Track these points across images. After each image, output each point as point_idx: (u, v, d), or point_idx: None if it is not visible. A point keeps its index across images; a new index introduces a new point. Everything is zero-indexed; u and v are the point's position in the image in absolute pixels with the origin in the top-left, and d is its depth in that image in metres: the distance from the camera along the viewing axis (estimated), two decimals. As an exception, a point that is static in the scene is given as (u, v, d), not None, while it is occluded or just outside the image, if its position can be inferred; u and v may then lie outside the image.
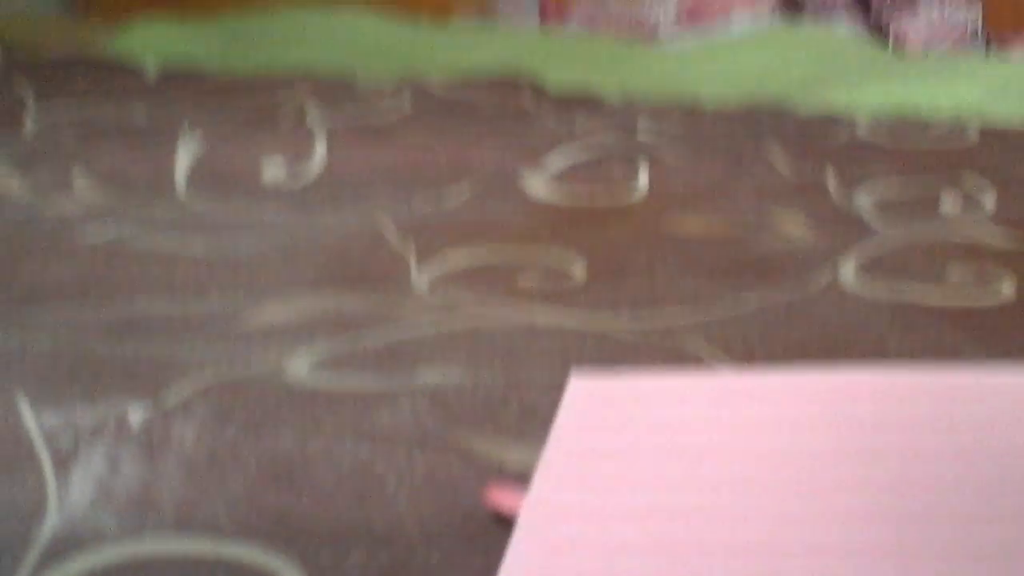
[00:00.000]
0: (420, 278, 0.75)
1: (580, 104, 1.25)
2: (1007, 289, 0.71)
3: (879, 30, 1.86)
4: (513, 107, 1.21)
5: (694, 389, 0.41)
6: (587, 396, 0.42)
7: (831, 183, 0.94)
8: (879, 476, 0.37)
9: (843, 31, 1.82)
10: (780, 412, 0.41)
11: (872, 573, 0.33)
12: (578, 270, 0.77)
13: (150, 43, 1.71)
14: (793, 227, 0.85)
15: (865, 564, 0.34)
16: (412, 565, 0.49)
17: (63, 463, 0.54)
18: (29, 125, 1.13)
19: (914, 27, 1.86)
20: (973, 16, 1.89)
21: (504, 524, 0.51)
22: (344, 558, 0.49)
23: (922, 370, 0.46)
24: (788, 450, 0.38)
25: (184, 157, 0.95)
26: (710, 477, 0.38)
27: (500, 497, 0.52)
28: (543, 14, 2.05)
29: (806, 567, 0.34)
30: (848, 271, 0.76)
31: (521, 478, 0.53)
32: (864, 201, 0.91)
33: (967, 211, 0.89)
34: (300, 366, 0.63)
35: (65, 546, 0.50)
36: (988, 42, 1.91)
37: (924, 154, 1.06)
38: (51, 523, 0.52)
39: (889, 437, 0.40)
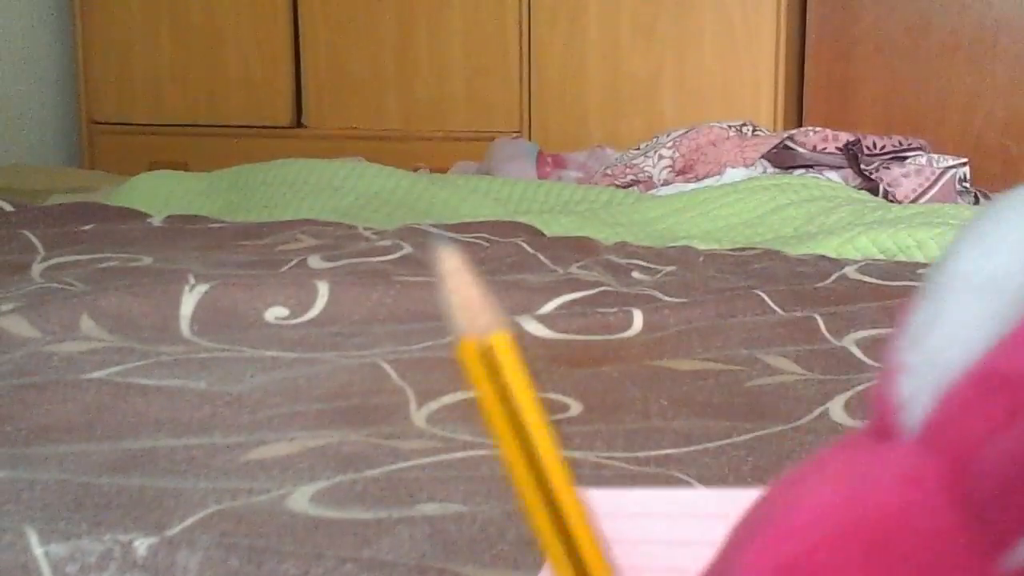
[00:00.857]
0: (419, 413, 0.77)
1: (575, 247, 1.28)
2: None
3: (868, 181, 1.90)
4: (511, 249, 1.23)
5: (693, 505, 0.43)
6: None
7: (821, 322, 0.96)
8: None
9: (834, 181, 1.86)
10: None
11: None
12: (574, 405, 0.78)
13: (154, 193, 1.75)
14: (784, 364, 0.87)
15: None
16: None
17: (69, 591, 0.55)
18: (37, 269, 1.16)
19: (903, 179, 1.90)
20: (962, 169, 1.93)
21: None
22: None
23: None
24: None
25: (188, 298, 0.98)
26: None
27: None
28: (540, 165, 2.09)
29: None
30: (838, 406, 0.77)
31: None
32: (854, 339, 0.93)
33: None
34: (301, 497, 0.65)
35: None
36: (977, 195, 1.95)
37: (914, 294, 1.08)
38: (56, 651, 0.52)
39: None
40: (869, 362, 0.88)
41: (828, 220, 1.54)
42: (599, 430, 0.73)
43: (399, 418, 0.77)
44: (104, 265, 1.16)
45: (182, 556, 0.55)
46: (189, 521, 0.61)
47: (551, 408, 0.77)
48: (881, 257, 1.32)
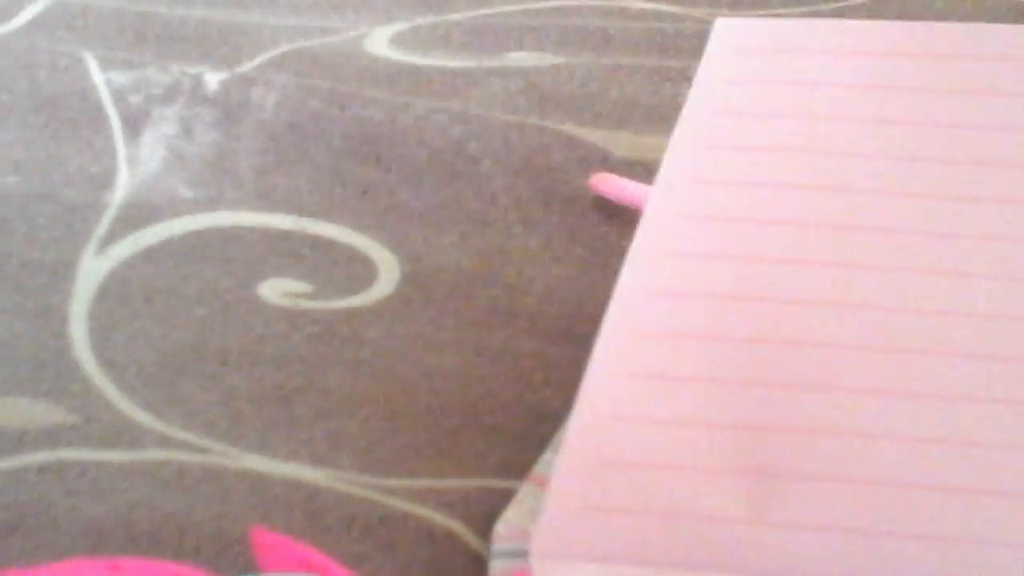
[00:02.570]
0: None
1: None
2: None
3: None
4: None
5: (865, 38, 0.36)
6: (736, 43, 0.37)
7: None
8: None
9: None
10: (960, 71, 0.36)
11: None
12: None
13: None
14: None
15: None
16: (509, 249, 0.46)
17: (133, 125, 0.50)
18: None
19: None
20: None
21: (608, 212, 0.48)
22: (435, 238, 0.46)
23: None
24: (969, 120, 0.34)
25: None
26: (871, 148, 0.34)
27: (605, 184, 0.48)
28: None
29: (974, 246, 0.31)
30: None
31: (627, 167, 0.50)
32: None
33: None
34: (379, 39, 0.59)
35: (139, 212, 0.47)
36: None
37: None
38: (123, 189, 0.48)
39: None
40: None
41: None
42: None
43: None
44: None
45: (257, 93, 0.50)
46: (259, 59, 0.56)
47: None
48: None
